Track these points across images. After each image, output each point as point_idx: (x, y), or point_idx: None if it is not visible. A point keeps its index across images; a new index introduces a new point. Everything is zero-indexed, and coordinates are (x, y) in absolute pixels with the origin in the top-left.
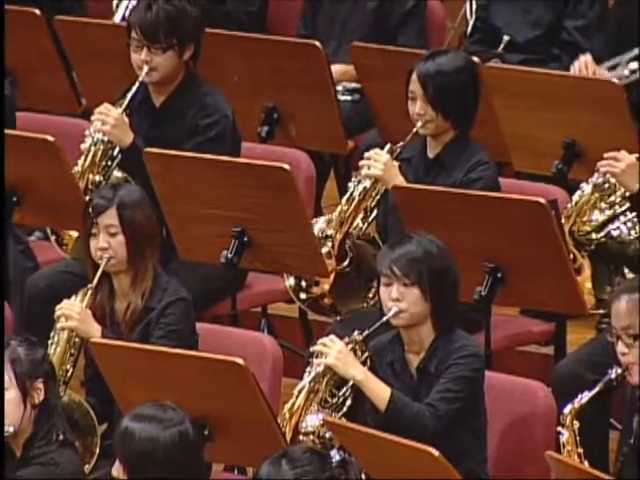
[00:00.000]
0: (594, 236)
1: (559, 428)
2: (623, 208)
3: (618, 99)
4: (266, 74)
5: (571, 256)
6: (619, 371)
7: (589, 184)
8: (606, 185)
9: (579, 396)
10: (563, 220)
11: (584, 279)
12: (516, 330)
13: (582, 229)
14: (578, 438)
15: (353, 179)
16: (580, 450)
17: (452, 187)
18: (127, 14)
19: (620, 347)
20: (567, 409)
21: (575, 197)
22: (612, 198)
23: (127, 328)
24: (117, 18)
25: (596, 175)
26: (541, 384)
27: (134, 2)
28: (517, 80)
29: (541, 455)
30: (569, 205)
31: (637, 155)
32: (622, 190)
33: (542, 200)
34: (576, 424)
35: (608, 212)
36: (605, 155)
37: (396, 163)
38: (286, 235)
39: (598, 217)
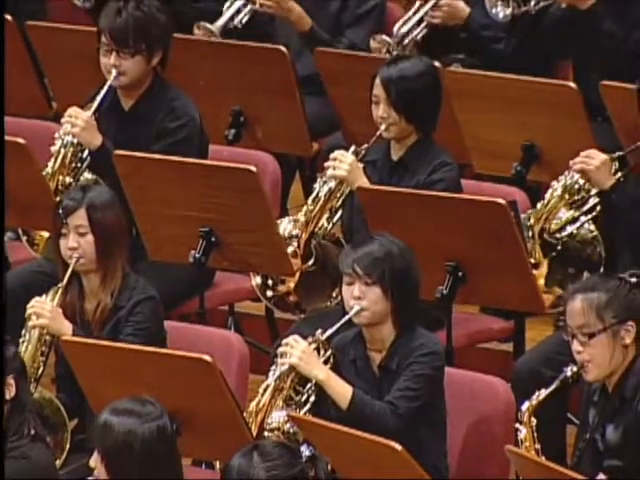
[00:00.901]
0: (558, 235)
1: (517, 425)
2: (588, 206)
3: (575, 102)
4: (233, 78)
5: (532, 253)
6: (574, 369)
7: (559, 183)
8: (576, 185)
9: (536, 393)
10: (533, 221)
11: (539, 275)
12: (476, 327)
13: (552, 228)
14: (535, 434)
15: (319, 180)
16: (537, 446)
17: (415, 188)
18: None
19: (575, 345)
20: (525, 406)
21: (547, 196)
22: (579, 197)
23: (97, 326)
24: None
25: (566, 174)
26: (500, 380)
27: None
28: (477, 84)
29: (501, 449)
30: (539, 205)
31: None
32: (590, 189)
33: (502, 201)
34: (533, 421)
35: (574, 211)
36: (581, 154)
37: (361, 165)
38: (253, 235)
39: (565, 215)
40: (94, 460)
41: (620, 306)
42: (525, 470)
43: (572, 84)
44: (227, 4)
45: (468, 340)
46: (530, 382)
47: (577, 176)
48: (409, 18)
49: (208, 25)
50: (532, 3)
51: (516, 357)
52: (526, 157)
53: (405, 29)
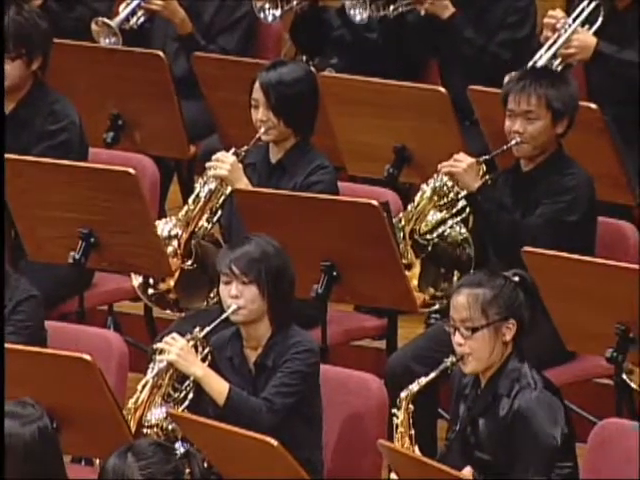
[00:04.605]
0: (429, 236)
1: (394, 410)
2: (457, 208)
3: (444, 106)
4: (111, 82)
5: (405, 254)
6: (454, 359)
7: (429, 186)
8: (444, 187)
9: (416, 381)
10: (404, 222)
11: (412, 276)
12: (351, 325)
13: (422, 229)
14: (411, 421)
15: (200, 180)
16: (412, 432)
17: (293, 190)
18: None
19: (457, 338)
20: (404, 393)
21: (416, 199)
22: (448, 199)
23: None
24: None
25: (435, 177)
26: (374, 376)
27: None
28: (349, 89)
29: (374, 443)
30: (409, 207)
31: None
32: (457, 191)
33: (374, 202)
34: (411, 408)
35: (444, 212)
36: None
37: (241, 165)
38: (131, 236)
39: (435, 217)
40: None
41: (504, 304)
42: (397, 463)
43: (441, 88)
44: (123, 5)
45: (342, 337)
46: (402, 378)
47: (446, 178)
48: None
49: (107, 20)
50: (391, 9)
51: (389, 354)
52: (398, 159)
53: None
